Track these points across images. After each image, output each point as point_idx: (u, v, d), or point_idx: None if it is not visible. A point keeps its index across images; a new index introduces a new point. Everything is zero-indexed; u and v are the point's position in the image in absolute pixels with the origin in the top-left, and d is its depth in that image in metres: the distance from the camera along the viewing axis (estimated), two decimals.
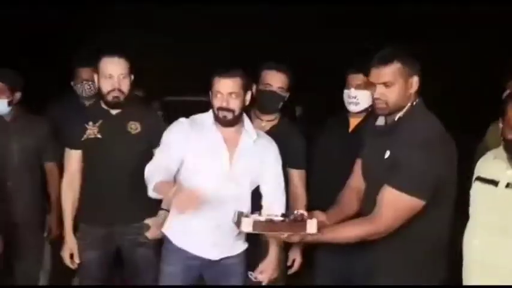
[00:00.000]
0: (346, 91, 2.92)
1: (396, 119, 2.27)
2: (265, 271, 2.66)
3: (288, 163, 2.92)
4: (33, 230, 3.31)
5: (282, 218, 2.15)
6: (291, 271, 3.00)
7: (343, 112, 3.00)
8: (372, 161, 2.40)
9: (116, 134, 2.84)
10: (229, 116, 2.50)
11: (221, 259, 2.63)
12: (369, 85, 2.78)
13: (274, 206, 2.59)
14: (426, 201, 2.14)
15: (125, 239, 2.81)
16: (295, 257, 2.99)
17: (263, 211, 2.61)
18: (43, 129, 3.32)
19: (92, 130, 2.87)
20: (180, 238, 2.62)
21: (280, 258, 2.77)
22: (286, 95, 3.01)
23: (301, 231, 2.13)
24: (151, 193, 2.47)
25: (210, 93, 2.54)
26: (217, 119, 2.53)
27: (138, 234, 2.83)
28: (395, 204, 2.15)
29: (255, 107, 3.03)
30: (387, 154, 2.27)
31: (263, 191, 2.67)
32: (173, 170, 2.54)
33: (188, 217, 2.46)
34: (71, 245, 2.93)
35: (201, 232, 2.56)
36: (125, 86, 2.83)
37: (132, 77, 2.88)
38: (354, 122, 2.95)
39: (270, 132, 2.94)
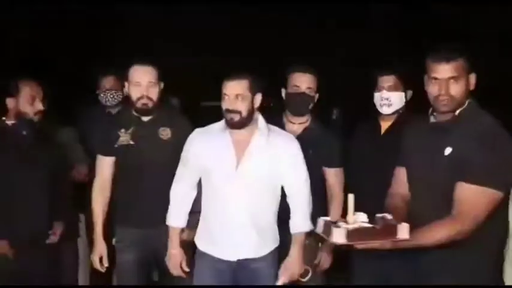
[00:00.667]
0: (377, 93, 2.91)
1: (457, 114, 2.25)
2: (286, 270, 2.61)
3: (323, 163, 2.99)
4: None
5: (370, 225, 2.02)
6: (318, 269, 2.99)
7: (374, 115, 3.00)
8: (425, 161, 2.33)
9: (148, 140, 2.88)
10: (236, 117, 2.52)
11: (246, 261, 2.63)
12: (399, 86, 2.90)
13: (299, 201, 2.64)
14: (504, 194, 2.13)
15: (161, 242, 2.81)
16: (324, 257, 3.00)
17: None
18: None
19: (124, 137, 2.92)
20: (204, 242, 2.69)
21: (304, 257, 2.70)
22: (316, 95, 3.02)
23: (392, 237, 2.02)
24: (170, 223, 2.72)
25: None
26: (226, 121, 2.57)
27: None
28: (476, 199, 2.10)
29: (286, 110, 3.06)
30: (448, 151, 2.23)
31: (285, 187, 2.67)
32: (195, 181, 2.71)
33: (209, 221, 2.63)
34: (100, 248, 2.95)
35: (220, 235, 2.60)
36: (153, 94, 2.87)
37: (162, 84, 2.93)
38: (385, 124, 2.95)
39: (303, 135, 2.98)
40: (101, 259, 2.94)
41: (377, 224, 2.01)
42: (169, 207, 2.71)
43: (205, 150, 2.62)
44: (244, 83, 2.53)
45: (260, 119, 2.63)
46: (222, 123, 2.62)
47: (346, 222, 2.00)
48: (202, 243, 2.69)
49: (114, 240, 2.98)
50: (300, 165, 2.66)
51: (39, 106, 3.03)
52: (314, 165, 2.89)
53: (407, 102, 2.94)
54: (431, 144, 2.31)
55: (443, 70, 2.22)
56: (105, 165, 2.97)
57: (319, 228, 2.10)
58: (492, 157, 2.10)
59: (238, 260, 2.62)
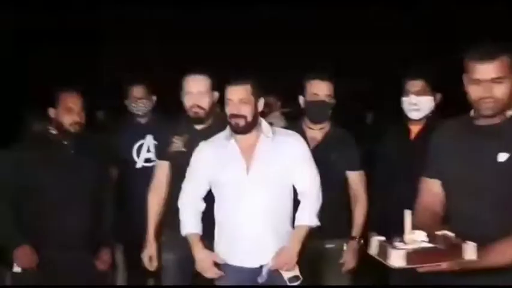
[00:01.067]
0: (405, 98, 2.91)
1: (509, 116, 2.06)
2: (278, 256, 2.57)
3: (346, 167, 3.03)
4: None
5: (431, 245, 1.78)
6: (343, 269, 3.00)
7: (402, 120, 3.00)
8: (473, 168, 2.12)
9: None
10: (242, 122, 2.53)
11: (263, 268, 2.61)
12: (427, 90, 2.89)
13: (308, 196, 2.65)
14: None
15: None
16: (348, 257, 2.99)
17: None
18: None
19: (177, 143, 3.00)
20: (223, 252, 2.68)
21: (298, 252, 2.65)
22: (334, 101, 3.03)
23: (458, 257, 1.77)
24: (184, 233, 2.70)
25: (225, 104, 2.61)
26: (231, 127, 2.58)
27: None
28: None
29: (305, 117, 3.08)
30: (503, 156, 2.05)
31: (296, 184, 2.67)
32: (202, 194, 2.71)
33: (226, 231, 2.64)
34: (151, 248, 3.04)
35: (240, 243, 2.60)
36: (204, 103, 2.92)
37: (216, 94, 2.96)
38: (414, 129, 2.94)
39: (324, 140, 3.04)
40: (150, 258, 3.03)
41: (439, 243, 1.78)
42: (181, 218, 2.71)
43: (213, 160, 2.64)
44: (247, 87, 2.55)
45: (263, 122, 2.65)
46: (226, 131, 2.64)
47: (403, 241, 1.78)
48: (221, 253, 2.68)
49: (161, 240, 3.07)
50: (308, 162, 2.67)
51: (76, 117, 3.02)
52: (336, 169, 2.99)
53: (437, 106, 2.93)
54: (480, 150, 2.11)
55: (486, 70, 2.01)
56: (160, 169, 3.07)
57: (373, 250, 1.87)
58: None
59: (261, 266, 2.61)
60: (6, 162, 3.04)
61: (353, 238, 2.99)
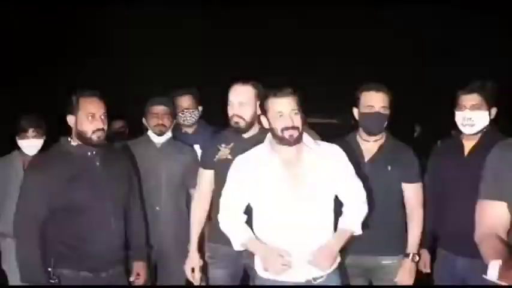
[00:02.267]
0: (459, 113, 2.87)
1: None
2: (319, 252, 2.51)
3: (402, 179, 2.97)
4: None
5: None
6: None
7: (456, 134, 2.97)
8: None
9: None
10: (296, 134, 2.49)
11: (311, 282, 2.55)
12: (483, 105, 2.82)
13: (354, 206, 2.62)
14: None
15: (252, 259, 2.76)
16: (403, 277, 2.93)
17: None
18: (190, 156, 3.45)
19: (223, 151, 2.99)
20: (263, 269, 2.60)
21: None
22: (389, 113, 2.99)
23: None
24: (238, 248, 2.62)
25: (265, 117, 2.56)
26: (283, 140, 2.52)
27: None
28: None
29: (360, 129, 3.04)
30: None
31: (340, 195, 2.64)
32: (243, 207, 2.64)
33: (263, 248, 2.57)
34: (194, 260, 3.04)
35: (288, 259, 2.53)
36: (245, 113, 2.90)
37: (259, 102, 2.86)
38: (468, 144, 2.89)
39: (379, 152, 3.00)
40: (193, 270, 3.02)
41: None
42: (229, 234, 2.65)
43: (256, 175, 2.58)
44: (294, 98, 2.53)
45: (304, 134, 2.60)
46: (266, 145, 2.60)
47: None
48: (263, 271, 2.59)
49: (206, 255, 3.05)
50: (351, 172, 2.66)
51: (99, 124, 2.72)
52: (392, 181, 2.95)
53: (492, 120, 2.86)
54: None
55: None
56: (204, 178, 3.05)
57: (494, 273, 1.76)
58: None
59: (307, 281, 2.55)
60: (32, 181, 2.77)
61: (408, 255, 2.93)
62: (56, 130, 3.25)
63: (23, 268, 2.70)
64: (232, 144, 2.98)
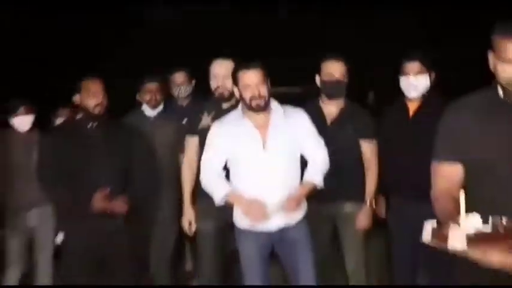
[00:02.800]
0: (404, 78, 3.11)
1: None
2: (287, 202, 2.82)
3: (359, 136, 3.30)
4: None
5: (489, 230, 1.66)
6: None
7: (400, 99, 3.23)
8: (504, 148, 1.91)
9: None
10: (262, 102, 2.81)
11: (285, 231, 2.89)
12: (423, 70, 3.06)
13: (316, 161, 2.95)
14: None
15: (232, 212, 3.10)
16: (362, 221, 3.31)
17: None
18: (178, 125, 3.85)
19: (205, 120, 3.34)
20: (241, 220, 2.93)
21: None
22: (347, 80, 3.31)
23: None
24: (219, 202, 2.90)
25: (237, 87, 2.87)
26: (250, 107, 2.83)
27: None
28: None
29: (322, 95, 3.36)
30: None
31: (305, 152, 2.96)
32: (222, 165, 2.94)
33: (241, 200, 2.87)
34: (189, 215, 3.42)
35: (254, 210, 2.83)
36: (229, 84, 3.13)
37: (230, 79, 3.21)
38: (412, 106, 3.16)
39: (340, 114, 3.32)
40: (189, 223, 3.41)
41: (498, 227, 1.65)
42: (210, 189, 2.93)
43: (230, 137, 2.88)
44: (259, 71, 2.81)
45: (273, 101, 2.92)
46: (238, 112, 2.92)
47: (458, 225, 1.65)
48: (241, 222, 2.93)
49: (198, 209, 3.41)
50: (313, 133, 2.99)
51: (98, 100, 3.21)
52: (351, 139, 3.29)
53: (431, 85, 3.12)
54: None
55: None
56: (190, 144, 3.42)
57: (427, 235, 1.74)
58: None
59: (279, 228, 2.88)
60: (47, 149, 3.34)
61: (365, 202, 3.30)
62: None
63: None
64: (213, 113, 3.30)
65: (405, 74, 3.12)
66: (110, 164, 3.25)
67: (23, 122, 3.75)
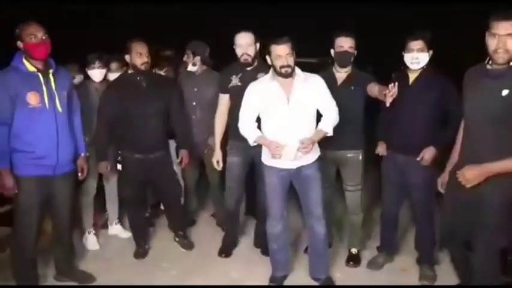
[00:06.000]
0: (408, 54, 3.57)
1: None
2: (303, 142, 3.37)
3: (364, 88, 3.80)
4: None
5: None
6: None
7: (403, 69, 3.71)
8: (484, 101, 2.75)
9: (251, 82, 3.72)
10: (289, 70, 3.36)
11: (301, 168, 3.51)
12: (424, 48, 3.54)
13: (329, 116, 3.48)
14: None
15: (256, 150, 3.79)
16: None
17: (323, 122, 3.53)
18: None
19: (234, 80, 4.02)
20: (268, 158, 3.54)
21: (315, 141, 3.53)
22: (355, 52, 3.89)
23: None
24: (252, 144, 3.53)
25: (269, 57, 3.41)
26: (280, 74, 3.38)
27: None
28: None
29: (335, 63, 3.96)
30: (505, 92, 2.66)
31: (320, 109, 3.51)
32: (255, 117, 3.53)
33: (269, 143, 3.44)
34: (218, 155, 4.17)
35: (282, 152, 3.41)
36: (251, 51, 3.93)
37: (258, 45, 3.94)
38: (412, 76, 3.66)
39: (348, 78, 3.89)
40: (217, 162, 4.17)
41: None
42: (246, 134, 3.54)
43: (262, 95, 3.46)
44: (289, 45, 3.34)
45: (297, 68, 3.45)
46: (269, 75, 3.47)
47: None
48: (268, 160, 3.54)
49: (227, 148, 4.13)
50: (327, 93, 3.52)
51: (144, 59, 3.93)
52: (356, 97, 3.86)
53: (429, 60, 3.60)
54: (488, 88, 2.69)
55: (503, 27, 2.56)
56: (222, 100, 4.11)
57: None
58: None
59: (297, 167, 3.51)
60: (105, 97, 4.01)
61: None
62: None
63: (97, 151, 4.08)
64: (240, 75, 4.00)
65: (409, 50, 3.57)
66: (154, 106, 3.99)
67: (97, 74, 4.35)
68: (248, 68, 3.99)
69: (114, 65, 4.47)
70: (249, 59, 3.94)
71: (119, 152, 4.09)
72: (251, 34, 3.95)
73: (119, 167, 4.07)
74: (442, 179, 3.21)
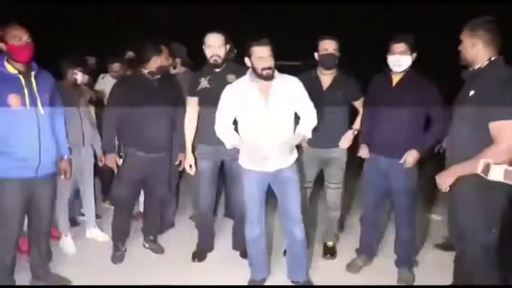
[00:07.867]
0: (391, 56, 3.58)
1: (476, 68, 2.89)
2: (281, 146, 3.38)
3: (350, 98, 3.98)
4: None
5: None
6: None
7: (386, 71, 3.71)
8: (458, 100, 2.97)
9: (220, 84, 3.75)
10: (271, 72, 3.32)
11: (278, 171, 3.46)
12: (407, 51, 3.55)
13: (307, 118, 3.45)
14: None
15: (227, 155, 3.79)
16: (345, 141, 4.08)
17: (301, 125, 3.49)
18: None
19: (203, 82, 3.95)
20: (248, 163, 3.50)
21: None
22: (338, 54, 3.93)
23: None
24: (229, 147, 3.49)
25: (249, 59, 3.36)
26: (261, 76, 3.33)
27: (236, 153, 3.70)
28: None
29: (319, 66, 3.98)
30: (471, 92, 2.83)
31: (298, 111, 3.47)
32: (232, 120, 3.48)
33: (246, 146, 3.43)
34: (190, 159, 4.11)
35: (259, 155, 3.38)
36: (221, 53, 3.87)
37: (228, 46, 3.89)
38: (395, 78, 3.65)
39: (333, 82, 3.96)
40: (190, 166, 4.06)
41: None
42: (223, 138, 3.50)
43: (239, 98, 3.40)
44: (270, 47, 3.31)
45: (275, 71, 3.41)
46: (246, 78, 3.43)
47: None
48: (246, 163, 3.50)
49: (196, 153, 4.08)
50: (305, 96, 3.46)
51: (162, 63, 4.04)
52: (342, 101, 3.96)
53: (412, 63, 3.61)
54: (464, 90, 2.92)
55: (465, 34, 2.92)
56: (191, 103, 4.03)
57: (498, 174, 2.69)
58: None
59: (276, 170, 3.46)
60: (114, 96, 4.05)
61: (351, 128, 4.03)
62: None
63: (104, 143, 4.16)
64: (209, 77, 3.94)
65: (392, 53, 3.59)
66: (162, 110, 4.01)
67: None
68: (217, 70, 3.94)
69: (115, 66, 4.75)
70: (219, 60, 3.90)
71: (122, 147, 4.11)
72: (221, 35, 3.89)
73: (119, 161, 4.05)
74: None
